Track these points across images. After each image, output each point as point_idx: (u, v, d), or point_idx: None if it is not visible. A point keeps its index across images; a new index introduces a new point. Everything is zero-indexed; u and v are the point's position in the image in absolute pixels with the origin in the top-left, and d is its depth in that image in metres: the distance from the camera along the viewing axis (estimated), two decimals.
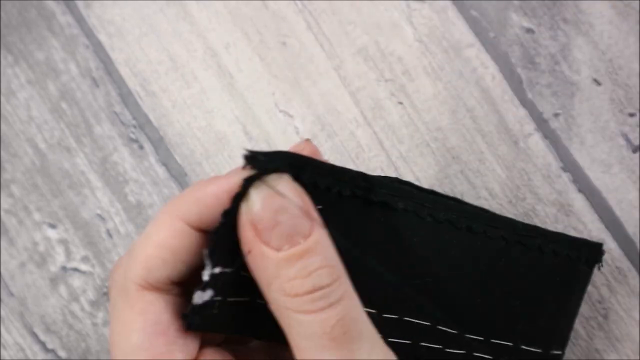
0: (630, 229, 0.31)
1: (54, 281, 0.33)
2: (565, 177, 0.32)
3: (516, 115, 0.32)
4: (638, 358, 0.31)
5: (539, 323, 0.26)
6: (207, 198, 0.21)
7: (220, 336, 0.25)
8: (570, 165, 0.32)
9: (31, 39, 0.34)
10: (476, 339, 0.25)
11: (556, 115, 0.32)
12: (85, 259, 0.33)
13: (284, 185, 0.20)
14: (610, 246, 0.31)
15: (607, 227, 0.31)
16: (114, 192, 0.33)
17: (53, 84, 0.33)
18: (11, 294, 0.33)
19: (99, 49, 0.33)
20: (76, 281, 0.33)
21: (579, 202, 0.32)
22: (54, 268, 0.33)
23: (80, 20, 0.34)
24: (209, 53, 0.33)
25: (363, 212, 0.23)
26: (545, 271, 0.27)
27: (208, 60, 0.33)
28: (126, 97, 0.33)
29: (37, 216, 0.33)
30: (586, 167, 0.32)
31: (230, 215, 0.20)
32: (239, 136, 0.33)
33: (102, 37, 0.33)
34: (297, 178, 0.20)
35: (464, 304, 0.25)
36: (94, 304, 0.33)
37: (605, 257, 0.29)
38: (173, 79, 0.33)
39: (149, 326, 0.21)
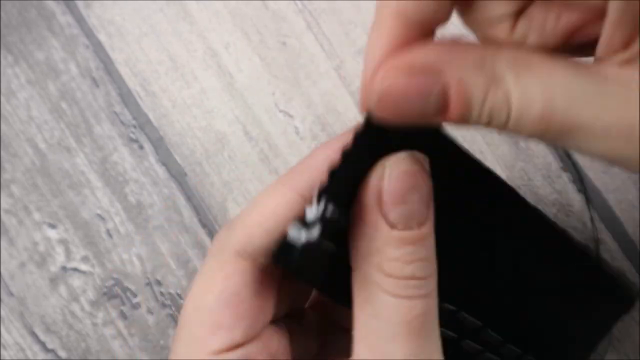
0: (630, 229, 0.31)
1: (54, 281, 0.33)
2: (565, 177, 0.32)
3: None
4: (638, 358, 0.31)
5: (567, 349, 0.26)
6: (319, 164, 0.20)
7: (282, 309, 0.25)
8: (570, 165, 0.32)
9: (31, 39, 0.34)
10: (515, 350, 0.24)
11: None
12: (85, 259, 0.33)
13: (420, 167, 0.19)
14: (610, 246, 0.31)
15: (607, 227, 0.31)
16: (114, 192, 0.33)
17: (53, 84, 0.33)
18: (11, 294, 0.33)
19: (99, 49, 0.33)
20: (76, 281, 0.33)
21: (579, 202, 0.32)
22: (54, 268, 0.33)
23: (80, 20, 0.34)
24: (209, 53, 0.33)
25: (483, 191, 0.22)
26: (589, 299, 0.26)
27: (208, 60, 0.33)
28: (126, 97, 0.33)
29: (37, 216, 0.33)
30: (586, 167, 0.32)
31: (353, 160, 0.18)
32: (239, 136, 0.33)
33: (102, 37, 0.33)
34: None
35: (515, 311, 0.24)
36: (94, 304, 0.33)
37: (606, 257, 0.29)
38: (173, 79, 0.33)
39: (227, 293, 0.21)
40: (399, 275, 0.19)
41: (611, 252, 0.31)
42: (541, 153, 0.32)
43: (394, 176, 0.19)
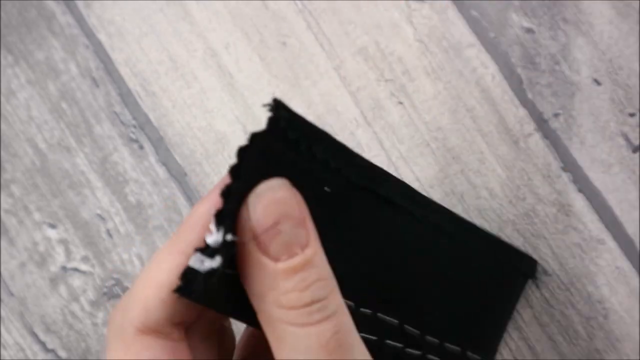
0: (630, 229, 0.31)
1: (54, 281, 0.33)
2: (565, 177, 0.32)
3: (516, 115, 0.32)
4: (638, 358, 0.31)
5: (483, 329, 0.27)
6: (200, 220, 0.20)
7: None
8: (570, 165, 0.32)
9: (31, 39, 0.34)
10: (433, 341, 0.25)
11: (556, 115, 0.32)
12: (85, 259, 0.33)
13: (285, 192, 0.18)
14: (610, 246, 0.31)
15: (607, 227, 0.31)
16: (114, 192, 0.33)
17: (53, 84, 0.33)
18: (11, 294, 0.33)
19: (99, 49, 0.33)
20: (76, 281, 0.33)
21: (579, 202, 0.32)
22: (54, 268, 0.33)
23: (80, 20, 0.34)
24: (209, 53, 0.33)
25: (363, 202, 0.22)
26: (491, 276, 0.28)
27: (208, 60, 0.33)
28: (126, 97, 0.33)
29: (37, 216, 0.33)
30: (586, 167, 0.32)
31: (243, 178, 0.18)
32: (239, 136, 0.33)
33: (102, 37, 0.33)
34: (310, 149, 0.19)
35: (425, 303, 0.25)
36: (94, 304, 0.33)
37: (606, 257, 0.29)
38: (173, 79, 0.33)
39: None
40: (299, 305, 0.18)
41: (611, 252, 0.31)
42: (541, 153, 0.32)
43: (261, 211, 0.18)
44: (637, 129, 0.31)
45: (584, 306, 0.31)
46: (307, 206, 0.19)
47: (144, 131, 0.33)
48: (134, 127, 0.33)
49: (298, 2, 0.33)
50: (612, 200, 0.32)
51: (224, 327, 0.25)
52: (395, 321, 0.24)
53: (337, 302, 0.19)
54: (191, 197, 0.33)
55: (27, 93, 0.33)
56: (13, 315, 0.33)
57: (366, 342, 0.22)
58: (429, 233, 0.25)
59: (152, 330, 0.20)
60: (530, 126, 0.32)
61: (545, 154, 0.32)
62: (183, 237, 0.20)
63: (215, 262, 0.18)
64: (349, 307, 0.21)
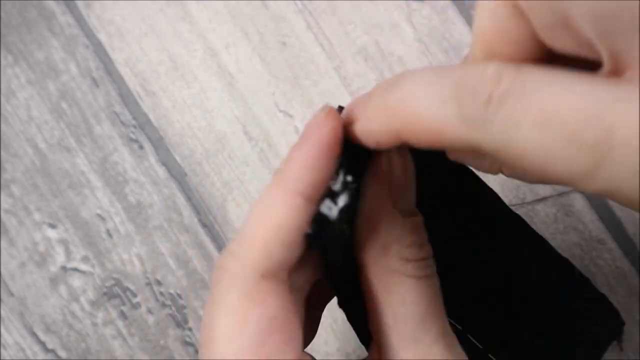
0: (630, 229, 0.31)
1: (54, 281, 0.33)
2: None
3: None
4: (638, 358, 0.31)
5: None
6: (319, 159, 0.19)
7: (311, 337, 0.24)
8: None
9: (31, 39, 0.34)
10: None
11: None
12: (85, 259, 0.33)
13: (411, 161, 0.20)
14: (610, 246, 0.31)
15: (607, 227, 0.31)
16: (114, 192, 0.33)
17: (53, 84, 0.33)
18: (11, 294, 0.33)
19: (99, 49, 0.33)
20: (76, 281, 0.33)
21: (579, 202, 0.31)
22: (54, 268, 0.33)
23: (80, 20, 0.34)
24: (209, 53, 0.33)
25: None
26: (581, 329, 0.26)
27: (208, 60, 0.33)
28: (126, 97, 0.33)
29: (37, 216, 0.33)
30: None
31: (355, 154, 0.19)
32: (239, 136, 0.33)
33: (102, 37, 0.33)
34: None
35: (512, 335, 0.25)
36: (94, 304, 0.33)
37: (606, 257, 0.29)
38: (173, 79, 0.33)
39: (266, 320, 0.19)
40: (417, 258, 0.20)
41: (611, 252, 0.31)
42: None
43: (399, 168, 0.20)
44: None
45: None
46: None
47: (144, 131, 0.33)
48: (134, 127, 0.33)
49: (298, 2, 0.33)
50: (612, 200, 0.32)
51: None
52: (480, 346, 0.24)
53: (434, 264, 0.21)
54: (191, 197, 0.33)
55: (27, 93, 0.33)
56: (13, 315, 0.33)
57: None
58: (525, 259, 0.25)
59: (274, 275, 0.19)
60: None
61: None
62: (291, 177, 0.19)
63: (341, 201, 0.18)
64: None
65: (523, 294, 0.25)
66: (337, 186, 0.18)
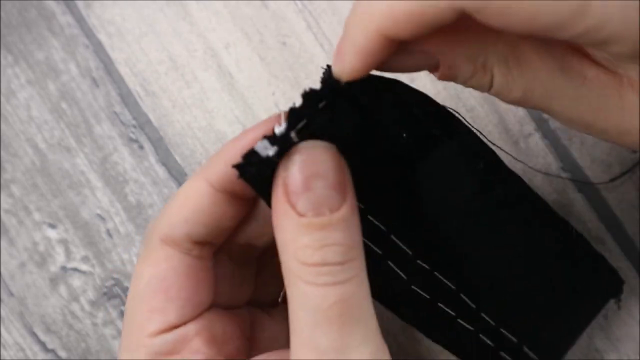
0: (630, 229, 0.31)
1: (54, 281, 0.33)
2: (565, 176, 0.32)
3: (516, 115, 0.32)
4: (638, 358, 0.31)
5: (549, 331, 0.26)
6: (231, 155, 0.21)
7: (243, 298, 0.26)
8: (570, 165, 0.32)
9: (31, 39, 0.34)
10: (488, 321, 0.24)
11: None
12: (85, 259, 0.33)
13: (327, 154, 0.19)
14: (610, 246, 0.31)
15: (607, 227, 0.31)
16: (114, 192, 0.33)
17: (53, 84, 0.33)
18: (11, 294, 0.33)
19: (99, 49, 0.33)
20: (76, 281, 0.33)
21: (579, 202, 0.32)
22: (54, 268, 0.33)
23: (80, 20, 0.34)
24: (209, 53, 0.33)
25: (443, 154, 0.22)
26: (575, 282, 0.26)
27: (208, 60, 0.33)
28: (126, 97, 0.33)
29: (37, 216, 0.33)
30: (586, 167, 0.32)
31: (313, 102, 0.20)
32: None
33: (102, 37, 0.33)
34: (378, 97, 0.20)
35: (491, 281, 0.24)
36: (94, 304, 0.33)
37: (606, 256, 0.29)
38: (173, 79, 0.33)
39: (154, 279, 0.22)
40: (309, 263, 0.19)
41: (611, 252, 0.31)
42: (541, 153, 0.32)
43: (296, 166, 0.19)
44: None
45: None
46: (375, 163, 0.20)
47: (144, 131, 0.33)
48: (134, 127, 0.33)
49: (298, 2, 0.33)
50: (612, 200, 0.32)
51: (266, 261, 0.26)
52: (452, 287, 0.23)
53: (354, 272, 0.19)
54: None
55: (27, 93, 0.33)
56: (13, 315, 0.33)
57: (417, 298, 0.22)
58: (514, 208, 0.24)
59: (174, 242, 0.23)
60: (530, 126, 0.32)
61: (545, 154, 0.32)
62: (212, 167, 0.22)
63: (271, 151, 0.19)
64: (406, 256, 0.21)
65: (525, 252, 0.24)
66: (278, 131, 0.19)
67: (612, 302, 0.28)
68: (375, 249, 0.22)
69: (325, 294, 0.19)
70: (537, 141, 0.32)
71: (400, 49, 0.20)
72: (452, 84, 0.32)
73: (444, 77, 0.21)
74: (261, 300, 0.27)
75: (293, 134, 0.19)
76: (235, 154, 0.20)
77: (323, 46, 0.33)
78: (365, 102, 0.21)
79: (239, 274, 0.25)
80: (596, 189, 0.32)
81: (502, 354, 0.25)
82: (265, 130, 0.20)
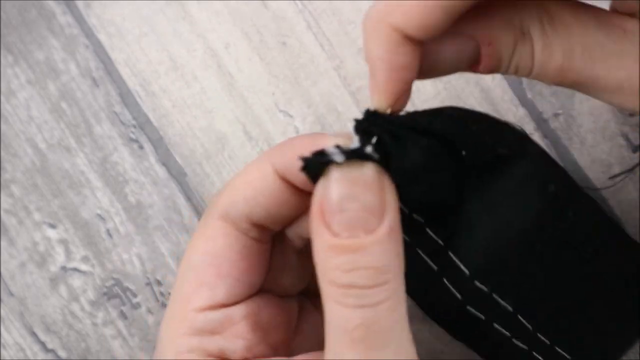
0: (630, 229, 0.31)
1: (54, 281, 0.33)
2: None
3: (516, 115, 0.32)
4: (638, 358, 0.31)
5: (604, 347, 0.25)
6: (302, 145, 0.21)
7: (297, 288, 0.25)
8: (570, 165, 0.32)
9: (31, 39, 0.34)
10: (544, 341, 0.24)
11: (556, 115, 0.32)
12: (85, 259, 0.33)
13: (364, 175, 0.19)
14: None
15: None
16: (114, 192, 0.33)
17: (53, 84, 0.33)
18: (11, 294, 0.33)
19: (99, 49, 0.33)
20: (76, 281, 0.33)
21: None
22: (54, 268, 0.33)
23: (80, 20, 0.34)
24: (209, 53, 0.33)
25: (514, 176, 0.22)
26: (631, 298, 0.25)
27: (208, 60, 0.33)
28: (126, 97, 0.33)
29: (37, 216, 0.33)
30: (586, 167, 0.32)
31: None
32: (239, 136, 0.33)
33: (102, 37, 0.33)
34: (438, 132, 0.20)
35: (555, 306, 0.24)
36: (94, 304, 0.33)
37: None
38: (173, 79, 0.33)
39: (208, 254, 0.22)
40: (337, 284, 0.18)
41: None
42: None
43: (332, 185, 0.19)
44: (637, 129, 0.31)
45: None
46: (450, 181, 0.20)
47: (144, 131, 0.33)
48: (134, 127, 0.33)
49: (298, 2, 0.33)
50: (612, 200, 0.32)
51: None
52: (510, 308, 0.23)
53: (385, 296, 0.19)
54: (191, 197, 0.33)
55: (27, 93, 0.33)
56: (13, 315, 0.33)
57: (472, 319, 0.22)
58: (584, 233, 0.24)
59: (232, 220, 0.22)
60: (530, 126, 0.32)
61: None
62: (279, 153, 0.22)
63: (341, 158, 0.19)
64: (462, 275, 0.21)
65: (592, 278, 0.24)
66: (353, 146, 0.20)
67: None
68: (432, 264, 0.22)
69: (350, 315, 0.18)
70: (537, 141, 0.32)
71: (433, 48, 0.20)
72: (451, 83, 0.32)
73: (488, 62, 0.20)
74: (311, 290, 0.26)
75: (369, 149, 0.19)
76: (305, 148, 0.20)
77: (323, 46, 0.33)
78: (423, 124, 0.21)
79: (300, 264, 0.25)
80: (596, 189, 0.32)
81: None
82: (340, 142, 0.20)
